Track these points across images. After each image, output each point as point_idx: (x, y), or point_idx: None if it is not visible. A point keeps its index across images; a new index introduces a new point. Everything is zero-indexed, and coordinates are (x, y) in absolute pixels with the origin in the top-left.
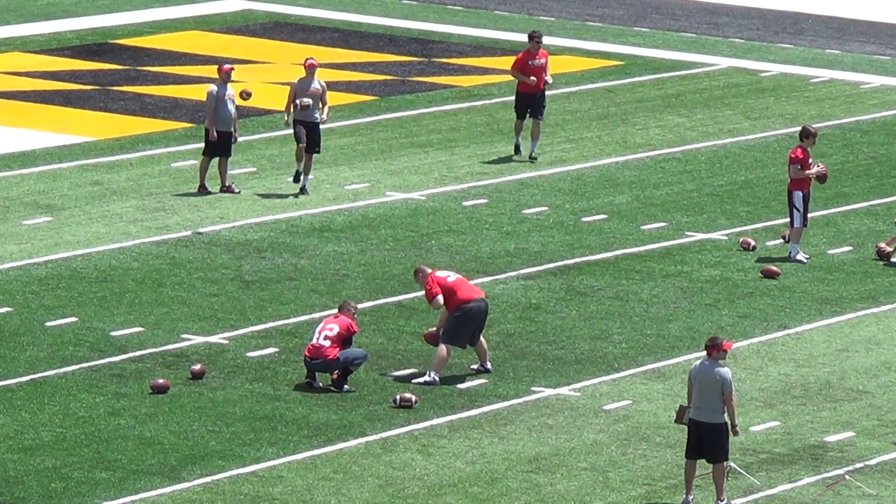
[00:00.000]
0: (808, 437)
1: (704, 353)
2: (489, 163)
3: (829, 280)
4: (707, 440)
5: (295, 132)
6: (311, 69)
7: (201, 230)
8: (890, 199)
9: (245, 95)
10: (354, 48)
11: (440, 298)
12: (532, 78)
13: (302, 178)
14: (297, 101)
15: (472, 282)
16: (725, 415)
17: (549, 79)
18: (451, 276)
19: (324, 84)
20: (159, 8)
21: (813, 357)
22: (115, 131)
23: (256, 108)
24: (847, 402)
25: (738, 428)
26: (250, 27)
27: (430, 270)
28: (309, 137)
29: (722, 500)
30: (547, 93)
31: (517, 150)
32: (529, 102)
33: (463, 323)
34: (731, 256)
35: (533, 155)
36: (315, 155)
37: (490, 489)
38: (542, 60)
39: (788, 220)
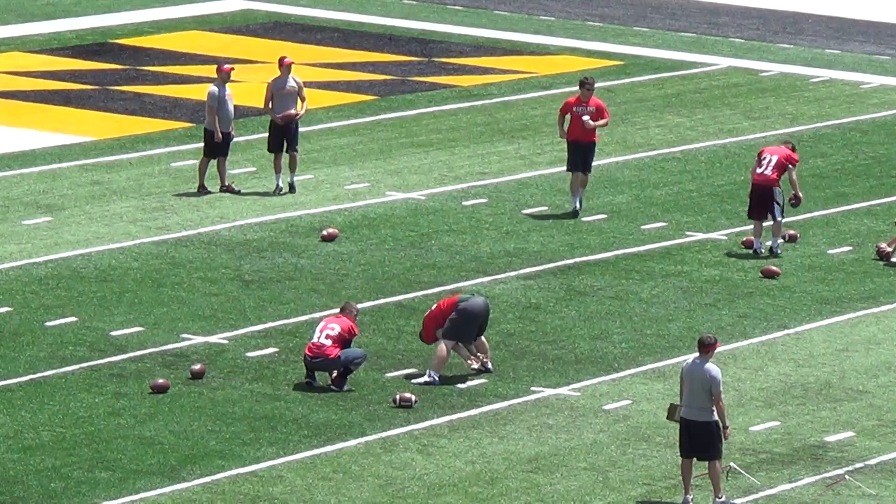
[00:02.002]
0: (808, 437)
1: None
2: (489, 163)
3: (829, 280)
4: (697, 439)
5: (269, 140)
6: (286, 67)
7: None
8: (890, 199)
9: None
10: (354, 48)
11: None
12: (564, 129)
13: (289, 175)
14: (283, 114)
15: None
16: (715, 414)
17: (587, 119)
18: (433, 306)
19: (300, 81)
20: (159, 8)
21: (813, 357)
22: (115, 131)
23: (256, 108)
24: (847, 402)
25: (728, 431)
26: (250, 27)
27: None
28: (286, 135)
29: (720, 498)
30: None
31: (575, 213)
32: (581, 153)
33: (463, 320)
34: (731, 256)
35: (578, 208)
36: (297, 154)
37: (490, 489)
38: (592, 109)
39: (771, 216)
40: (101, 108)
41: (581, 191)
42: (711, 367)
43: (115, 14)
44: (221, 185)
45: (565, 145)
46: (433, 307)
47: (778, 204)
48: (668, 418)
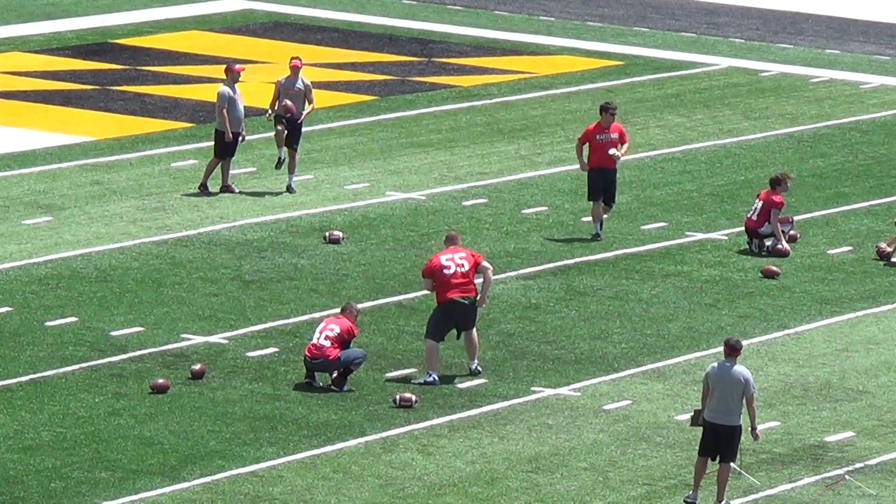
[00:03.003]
0: (808, 437)
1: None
2: (489, 163)
3: (829, 280)
4: (723, 442)
5: (275, 120)
6: (295, 70)
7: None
8: (890, 199)
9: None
10: (354, 48)
11: (429, 283)
12: (584, 160)
13: (288, 177)
14: (283, 103)
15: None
16: (740, 418)
17: (615, 152)
18: (450, 269)
19: (308, 83)
20: (159, 8)
21: (813, 357)
22: (115, 131)
23: (256, 108)
24: (847, 402)
25: (758, 431)
26: (250, 27)
27: (452, 246)
28: (289, 133)
29: (721, 502)
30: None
31: (596, 237)
32: (603, 180)
33: (441, 319)
34: (731, 256)
35: (599, 233)
36: (297, 154)
37: (490, 489)
38: (615, 135)
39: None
40: (101, 108)
41: (602, 218)
42: (742, 368)
43: (115, 14)
44: (222, 186)
45: (586, 174)
46: (468, 266)
47: (773, 235)
48: (692, 425)
